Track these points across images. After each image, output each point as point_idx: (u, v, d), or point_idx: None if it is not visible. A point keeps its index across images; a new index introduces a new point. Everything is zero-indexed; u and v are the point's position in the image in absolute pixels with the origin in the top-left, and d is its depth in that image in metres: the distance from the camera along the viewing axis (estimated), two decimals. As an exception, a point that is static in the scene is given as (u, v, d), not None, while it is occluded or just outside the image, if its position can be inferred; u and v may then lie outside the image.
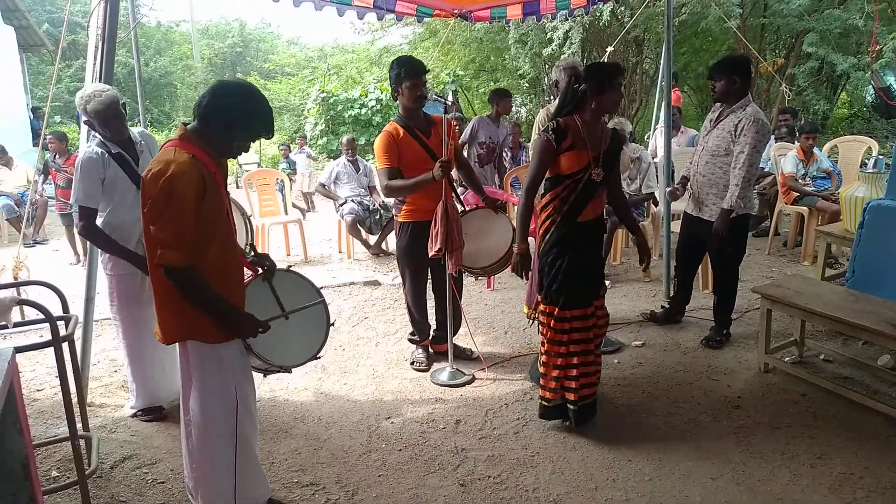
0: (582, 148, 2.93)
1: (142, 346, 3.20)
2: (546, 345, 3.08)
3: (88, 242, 3.42)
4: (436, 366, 3.89)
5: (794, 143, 6.89)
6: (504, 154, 6.87)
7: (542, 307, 3.09)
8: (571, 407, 3.08)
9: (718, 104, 3.98)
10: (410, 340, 4.06)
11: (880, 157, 4.76)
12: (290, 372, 2.60)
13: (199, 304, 2.18)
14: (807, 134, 6.08)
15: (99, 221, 3.06)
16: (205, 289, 2.16)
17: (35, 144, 10.91)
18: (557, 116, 3.04)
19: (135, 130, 3.22)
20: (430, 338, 4.02)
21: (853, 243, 4.07)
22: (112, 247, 3.04)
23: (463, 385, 3.66)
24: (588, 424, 3.13)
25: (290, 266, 2.74)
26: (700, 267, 4.66)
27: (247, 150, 2.33)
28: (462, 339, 4.07)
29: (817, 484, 2.70)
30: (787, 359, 3.78)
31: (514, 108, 15.43)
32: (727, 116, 3.82)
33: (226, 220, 2.27)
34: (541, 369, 3.14)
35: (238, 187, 10.69)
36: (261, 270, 2.57)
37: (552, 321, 3.02)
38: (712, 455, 2.92)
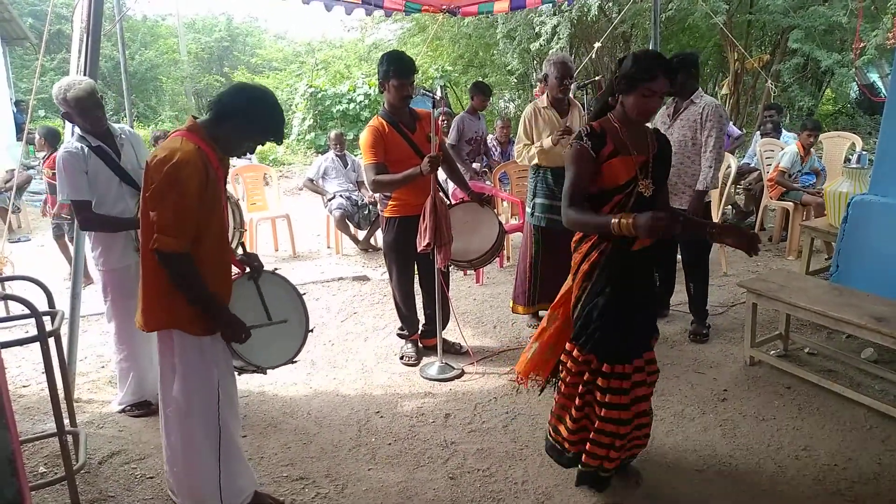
0: (626, 153, 2.34)
1: (136, 340, 3.18)
2: (577, 399, 2.48)
3: (73, 246, 3.37)
4: (425, 360, 3.90)
5: (778, 138, 6.96)
6: (492, 148, 6.91)
7: (575, 353, 2.47)
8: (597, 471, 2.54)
9: (671, 99, 4.13)
10: (399, 335, 4.06)
11: (864, 152, 4.79)
12: (265, 373, 2.60)
13: (189, 293, 2.18)
14: (809, 131, 6.17)
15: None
16: (197, 279, 2.17)
17: (19, 139, 10.78)
18: (593, 119, 2.49)
19: (115, 125, 3.18)
20: (419, 332, 4.03)
21: (837, 238, 4.12)
22: (115, 224, 3.03)
23: (452, 379, 3.67)
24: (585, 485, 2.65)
25: (276, 269, 2.73)
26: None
27: (253, 152, 2.35)
28: (451, 333, 4.08)
29: (802, 475, 2.74)
30: (772, 352, 3.82)
31: (502, 104, 15.48)
32: (687, 108, 3.99)
33: (221, 216, 2.29)
34: (554, 412, 2.63)
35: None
36: (248, 269, 2.56)
37: (587, 374, 2.44)
38: (699, 447, 2.95)
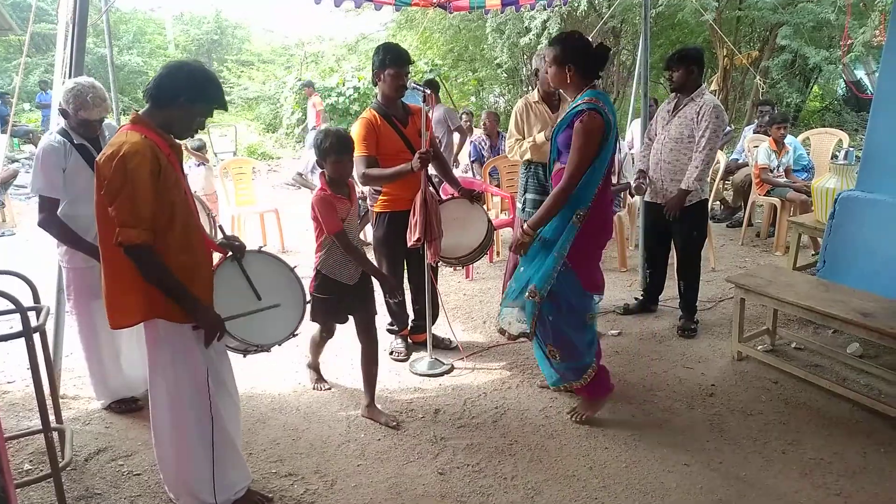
0: None
1: (98, 341, 3.14)
2: None
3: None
4: (414, 355, 3.90)
5: (768, 134, 7.00)
6: (482, 144, 6.91)
7: None
8: None
9: (674, 94, 4.11)
10: (389, 331, 4.05)
11: (850, 149, 4.82)
12: (268, 351, 2.56)
13: (160, 285, 2.16)
14: (778, 124, 6.17)
15: (57, 212, 2.99)
16: (163, 270, 2.14)
17: (3, 132, 10.62)
18: None
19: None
20: (409, 328, 4.02)
21: (824, 234, 4.15)
22: (71, 238, 2.97)
23: (441, 374, 3.67)
24: None
25: (261, 247, 2.71)
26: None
27: (202, 127, 2.34)
28: (440, 328, 4.08)
29: (789, 469, 2.76)
30: (759, 347, 3.85)
31: (492, 98, 15.46)
32: (686, 105, 3.97)
33: (185, 200, 2.24)
34: None
35: (214, 176, 10.54)
36: (230, 252, 2.53)
37: None
38: (687, 442, 2.97)
